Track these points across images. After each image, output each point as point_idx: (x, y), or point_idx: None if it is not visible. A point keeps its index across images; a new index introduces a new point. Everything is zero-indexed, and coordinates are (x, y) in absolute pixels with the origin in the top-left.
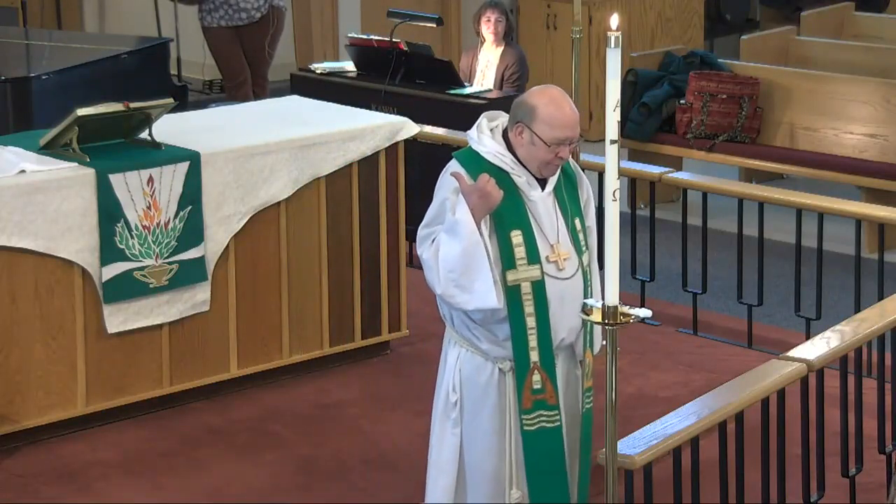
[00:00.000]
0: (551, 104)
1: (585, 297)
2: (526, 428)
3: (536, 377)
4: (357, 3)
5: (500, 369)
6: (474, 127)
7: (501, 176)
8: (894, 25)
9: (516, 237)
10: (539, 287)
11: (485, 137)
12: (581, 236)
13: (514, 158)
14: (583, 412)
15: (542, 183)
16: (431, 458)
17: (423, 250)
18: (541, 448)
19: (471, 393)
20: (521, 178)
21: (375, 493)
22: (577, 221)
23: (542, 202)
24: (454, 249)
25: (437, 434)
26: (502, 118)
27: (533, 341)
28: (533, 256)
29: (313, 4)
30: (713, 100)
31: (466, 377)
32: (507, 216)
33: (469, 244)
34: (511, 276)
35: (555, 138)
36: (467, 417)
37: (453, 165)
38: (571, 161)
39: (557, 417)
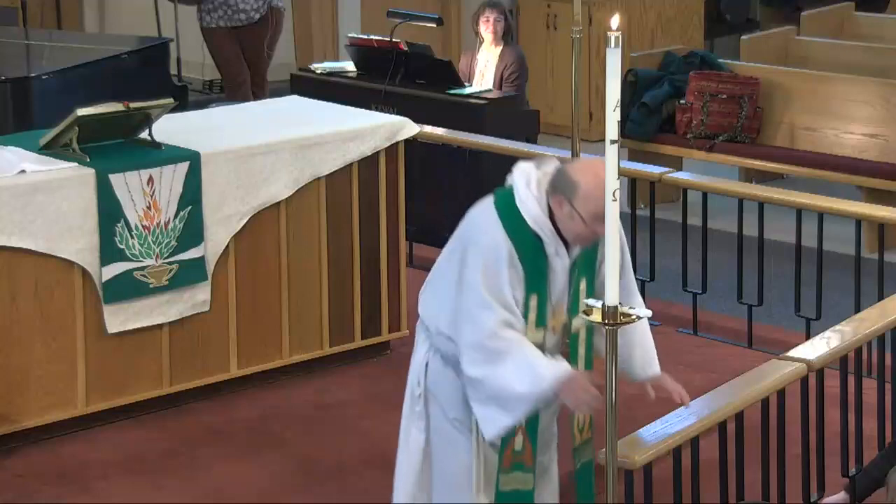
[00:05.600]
0: (593, 183)
1: (571, 361)
2: (502, 488)
3: (519, 438)
4: (357, 3)
5: None
6: (522, 175)
7: (535, 240)
8: (894, 25)
9: (533, 300)
10: None
11: (530, 198)
12: (582, 297)
13: (552, 228)
14: (580, 466)
15: (568, 249)
16: (399, 457)
17: (473, 358)
18: None
19: (438, 388)
20: (552, 249)
21: (375, 493)
22: (582, 283)
23: (562, 270)
24: (519, 388)
25: (403, 431)
26: (551, 166)
27: None
28: (541, 321)
29: (313, 4)
30: (713, 100)
31: (433, 370)
32: (532, 280)
33: (539, 400)
34: None
35: (593, 215)
36: (433, 412)
37: (489, 215)
38: None
39: (531, 480)
